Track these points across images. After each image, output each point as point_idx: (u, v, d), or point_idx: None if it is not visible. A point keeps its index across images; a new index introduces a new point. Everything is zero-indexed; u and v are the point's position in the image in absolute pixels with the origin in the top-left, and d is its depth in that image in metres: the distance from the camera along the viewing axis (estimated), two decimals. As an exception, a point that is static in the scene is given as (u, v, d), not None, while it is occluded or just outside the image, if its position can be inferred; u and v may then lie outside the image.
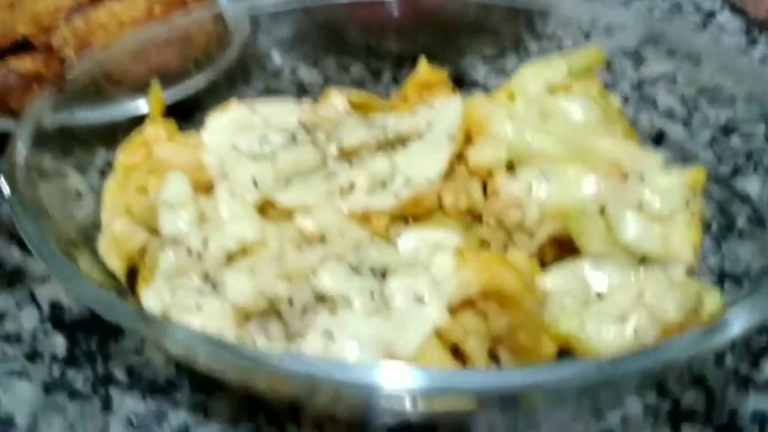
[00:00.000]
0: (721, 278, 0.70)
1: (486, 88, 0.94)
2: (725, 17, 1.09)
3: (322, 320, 0.57)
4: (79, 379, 0.66)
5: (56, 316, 0.72)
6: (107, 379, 0.66)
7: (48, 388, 0.65)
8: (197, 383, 0.65)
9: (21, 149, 0.68)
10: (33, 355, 0.69)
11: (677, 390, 0.63)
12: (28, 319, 0.72)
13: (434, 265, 0.60)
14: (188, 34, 0.81)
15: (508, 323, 0.57)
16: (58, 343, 0.70)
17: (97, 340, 0.69)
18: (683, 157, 0.83)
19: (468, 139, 0.72)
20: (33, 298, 0.74)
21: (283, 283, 0.59)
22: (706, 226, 0.72)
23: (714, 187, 0.76)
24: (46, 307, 0.73)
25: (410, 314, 0.55)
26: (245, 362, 0.47)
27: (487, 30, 0.97)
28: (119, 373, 0.67)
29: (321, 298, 0.59)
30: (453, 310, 0.56)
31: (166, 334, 0.49)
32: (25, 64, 0.88)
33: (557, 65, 0.70)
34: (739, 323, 0.48)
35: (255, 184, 0.68)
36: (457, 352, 0.57)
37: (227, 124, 0.74)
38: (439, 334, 0.55)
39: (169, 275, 0.63)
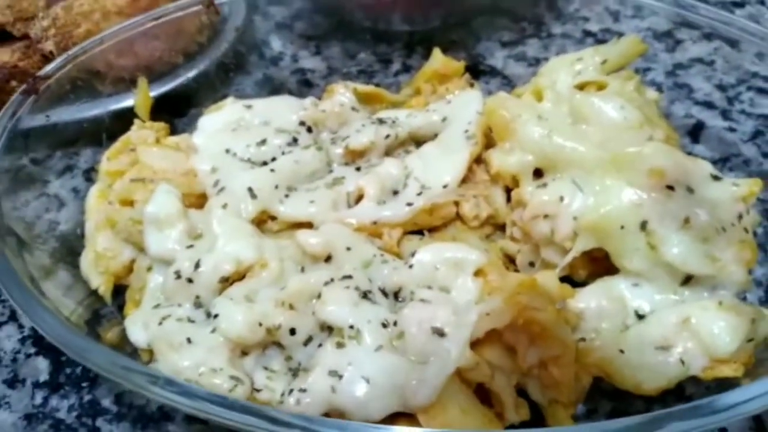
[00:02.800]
0: (771, 292, 0.64)
1: (505, 77, 0.86)
2: (764, -7, 1.01)
3: (328, 355, 0.50)
4: (63, 407, 0.61)
5: (38, 337, 0.66)
6: (94, 409, 0.60)
7: (29, 418, 0.60)
8: (192, 413, 0.59)
9: (-7, 157, 0.61)
10: (13, 381, 0.63)
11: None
12: (8, 340, 0.66)
13: (455, 290, 0.54)
14: (177, 24, 0.74)
15: (539, 357, 0.50)
16: (41, 366, 0.64)
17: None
18: (723, 152, 0.76)
19: (489, 139, 0.65)
20: (14, 317, 0.68)
21: (285, 311, 0.52)
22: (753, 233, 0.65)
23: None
24: (27, 326, 0.67)
25: (428, 350, 0.48)
26: (232, 421, 0.41)
27: (505, 11, 0.89)
28: (107, 402, 0.61)
29: (327, 328, 0.53)
30: (477, 343, 0.50)
31: (143, 387, 0.43)
32: (1, 56, 0.81)
33: (590, 58, 0.62)
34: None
35: (252, 194, 0.61)
36: (481, 387, 0.51)
37: (221, 126, 0.67)
38: (461, 374, 0.48)
39: (156, 300, 0.56)
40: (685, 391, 0.55)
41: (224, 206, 0.60)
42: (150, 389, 0.46)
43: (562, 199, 0.56)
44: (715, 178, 0.54)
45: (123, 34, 0.72)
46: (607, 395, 0.56)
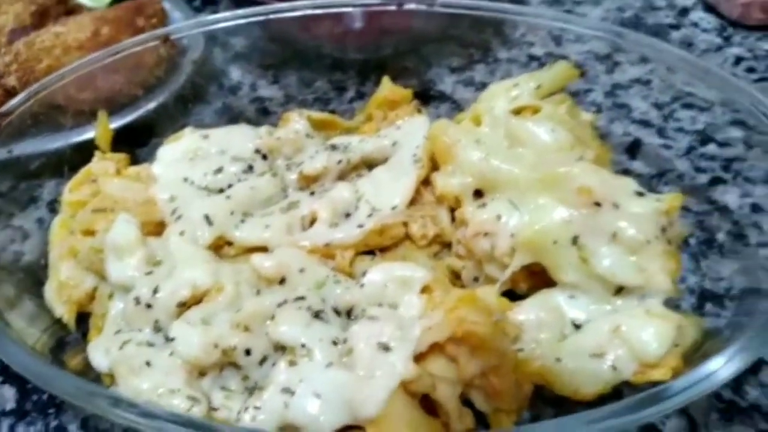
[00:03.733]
0: (702, 299, 0.68)
1: (454, 101, 0.90)
2: (698, 15, 1.06)
3: (281, 373, 0.53)
4: (30, 434, 0.62)
5: (3, 365, 0.67)
6: (60, 434, 0.62)
7: (-4, 446, 0.62)
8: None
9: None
10: (-21, 410, 0.64)
11: (658, 420, 0.60)
12: (-26, 371, 0.68)
13: (402, 306, 0.57)
14: (136, 58, 0.76)
15: (480, 367, 0.53)
16: (8, 395, 0.65)
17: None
18: (659, 168, 0.80)
19: (434, 163, 0.68)
20: (-21, 347, 0.70)
21: (240, 333, 0.55)
22: (685, 243, 0.69)
23: (691, 200, 0.73)
24: (-7, 356, 0.69)
25: (375, 365, 0.51)
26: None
27: (454, 37, 0.93)
28: (73, 427, 0.62)
29: (281, 347, 0.56)
30: (420, 357, 0.53)
31: (106, 411, 0.45)
32: (-36, 92, 0.83)
33: (525, 83, 0.66)
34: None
35: (209, 221, 0.64)
36: (427, 399, 0.54)
37: (179, 155, 0.70)
38: (406, 386, 0.51)
39: (118, 326, 0.59)
40: (623, 395, 0.58)
41: (182, 233, 0.62)
42: (112, 412, 0.48)
43: (499, 217, 0.60)
44: (639, 194, 0.58)
45: (83, 69, 0.75)
46: (549, 402, 0.59)
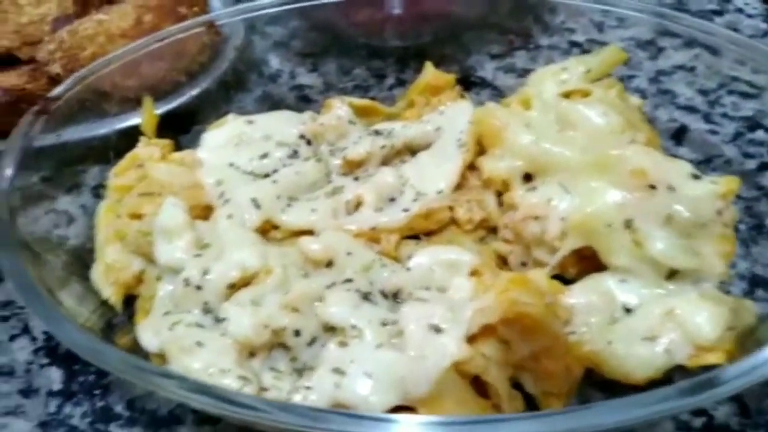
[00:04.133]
0: (753, 284, 0.66)
1: (495, 87, 0.89)
2: (743, 0, 1.04)
3: (331, 353, 0.53)
4: (76, 414, 0.63)
5: (51, 347, 0.68)
6: (107, 415, 0.63)
7: (44, 425, 0.62)
8: (202, 415, 0.61)
9: (6, 176, 0.64)
10: (27, 391, 0.65)
11: (711, 405, 0.59)
12: (21, 352, 0.69)
13: (451, 289, 0.56)
14: (180, 45, 0.77)
15: (531, 350, 0.53)
16: (54, 376, 0.66)
17: (94, 371, 0.66)
18: (706, 154, 0.79)
19: (480, 147, 0.68)
20: (26, 329, 0.71)
21: (289, 314, 0.55)
22: (735, 229, 0.68)
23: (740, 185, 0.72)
24: (40, 338, 0.70)
25: (426, 346, 0.51)
26: (243, 413, 0.44)
27: (494, 24, 0.93)
28: (119, 407, 0.63)
29: (330, 329, 0.55)
30: (472, 339, 0.52)
31: (158, 385, 0.46)
32: (9, 79, 0.85)
33: (574, 68, 0.66)
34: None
35: (256, 204, 0.64)
36: (477, 381, 0.54)
37: (224, 141, 0.70)
38: (457, 367, 0.51)
39: (166, 308, 0.59)
40: (674, 380, 0.57)
41: (229, 216, 0.63)
42: (165, 387, 0.48)
43: (550, 201, 0.59)
44: (695, 176, 0.57)
45: (128, 56, 0.75)
46: (598, 386, 0.58)
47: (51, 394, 0.65)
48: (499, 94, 0.88)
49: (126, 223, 0.64)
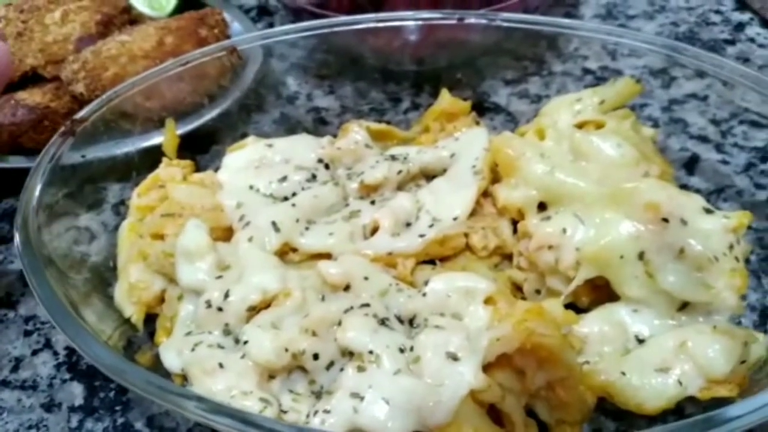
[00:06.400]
0: (764, 316, 0.67)
1: (509, 113, 0.90)
2: (755, 30, 1.05)
3: (350, 378, 0.54)
4: (98, 430, 0.64)
5: (73, 363, 0.70)
6: (127, 430, 0.64)
7: (66, 440, 0.64)
8: None
9: (35, 196, 0.66)
10: (50, 405, 0.67)
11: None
12: (44, 366, 0.70)
13: (467, 316, 0.57)
14: (202, 68, 0.79)
15: (546, 379, 0.54)
16: (76, 391, 0.68)
17: (115, 386, 0.67)
18: (717, 184, 0.80)
19: (495, 174, 0.69)
20: (49, 344, 0.72)
21: (308, 338, 0.56)
22: (745, 260, 0.69)
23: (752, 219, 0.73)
24: (62, 353, 0.71)
25: (443, 373, 0.52)
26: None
27: (508, 50, 0.94)
28: (139, 424, 0.64)
29: (348, 353, 0.57)
30: (488, 367, 0.53)
31: (180, 405, 0.47)
32: (34, 97, 0.86)
33: (588, 98, 0.67)
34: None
35: (276, 228, 0.65)
36: (493, 408, 0.55)
37: (245, 163, 0.72)
38: (474, 395, 0.52)
39: (188, 328, 0.60)
40: (685, 410, 0.58)
41: (250, 239, 0.64)
42: (188, 408, 0.49)
43: (565, 231, 0.60)
44: (708, 211, 0.58)
45: (152, 79, 0.77)
46: (611, 415, 0.59)
47: (72, 409, 0.66)
48: (512, 119, 0.89)
49: (148, 244, 0.66)
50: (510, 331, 0.52)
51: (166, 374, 0.61)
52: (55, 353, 0.71)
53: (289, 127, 0.90)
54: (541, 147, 0.65)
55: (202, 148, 0.85)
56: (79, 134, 0.71)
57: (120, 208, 0.77)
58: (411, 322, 0.60)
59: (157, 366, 0.61)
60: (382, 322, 0.57)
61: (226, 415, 0.48)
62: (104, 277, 0.70)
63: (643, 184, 0.58)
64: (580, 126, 0.67)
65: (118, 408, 0.65)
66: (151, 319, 0.67)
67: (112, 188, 0.79)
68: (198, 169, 0.79)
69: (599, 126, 0.65)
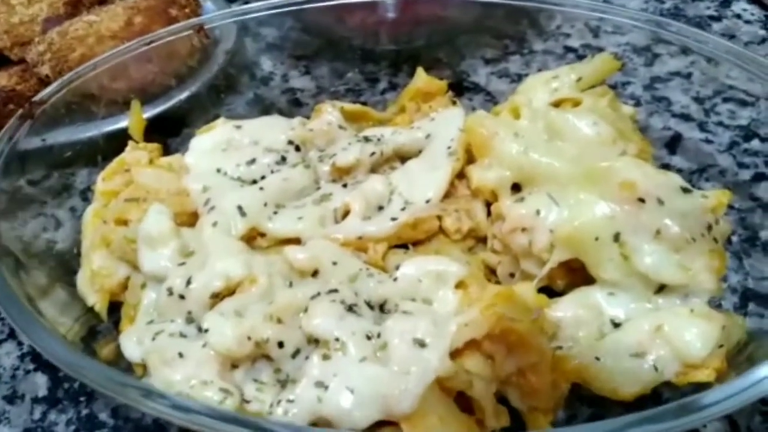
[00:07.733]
0: (745, 298, 0.66)
1: (488, 93, 0.88)
2: (741, 6, 1.03)
3: (315, 366, 0.52)
4: (61, 422, 0.62)
5: (37, 353, 0.68)
6: (91, 422, 0.62)
7: (29, 432, 0.62)
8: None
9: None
10: (12, 397, 0.65)
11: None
12: (7, 357, 0.68)
13: (436, 301, 0.56)
14: (169, 47, 0.76)
15: (517, 365, 0.52)
16: (40, 382, 0.66)
17: (80, 378, 0.65)
18: (700, 163, 0.78)
19: (470, 155, 0.67)
20: (12, 334, 0.70)
21: (273, 325, 0.54)
22: (727, 241, 0.67)
23: (734, 197, 0.70)
24: (26, 344, 0.69)
25: (410, 360, 0.50)
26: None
27: (489, 28, 0.92)
28: (104, 415, 0.63)
29: (314, 340, 0.55)
30: (456, 354, 0.51)
31: (137, 401, 0.45)
32: (0, 80, 0.84)
33: (565, 75, 0.65)
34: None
35: (242, 212, 0.63)
36: (463, 395, 0.53)
37: (212, 146, 0.70)
38: (441, 382, 0.50)
39: (150, 317, 0.58)
40: (662, 396, 0.57)
41: (215, 224, 0.62)
42: (144, 403, 0.48)
43: (538, 212, 0.58)
44: (685, 190, 0.56)
45: (116, 59, 0.75)
46: (585, 401, 0.58)
47: (36, 400, 0.64)
48: (492, 99, 0.87)
49: (112, 229, 0.64)
50: (478, 316, 0.50)
51: (129, 365, 0.59)
52: (20, 344, 0.69)
53: (263, 108, 0.88)
54: (516, 126, 0.63)
55: (173, 131, 0.83)
56: (38, 117, 0.69)
57: (88, 194, 0.75)
58: (381, 307, 0.59)
59: (119, 356, 0.59)
60: (350, 308, 0.56)
61: (186, 410, 0.47)
62: (69, 265, 0.68)
63: (619, 162, 0.56)
64: (557, 104, 0.64)
65: (82, 399, 0.64)
66: (116, 308, 0.65)
67: (80, 173, 0.77)
68: (168, 152, 0.77)
69: (576, 104, 0.63)
